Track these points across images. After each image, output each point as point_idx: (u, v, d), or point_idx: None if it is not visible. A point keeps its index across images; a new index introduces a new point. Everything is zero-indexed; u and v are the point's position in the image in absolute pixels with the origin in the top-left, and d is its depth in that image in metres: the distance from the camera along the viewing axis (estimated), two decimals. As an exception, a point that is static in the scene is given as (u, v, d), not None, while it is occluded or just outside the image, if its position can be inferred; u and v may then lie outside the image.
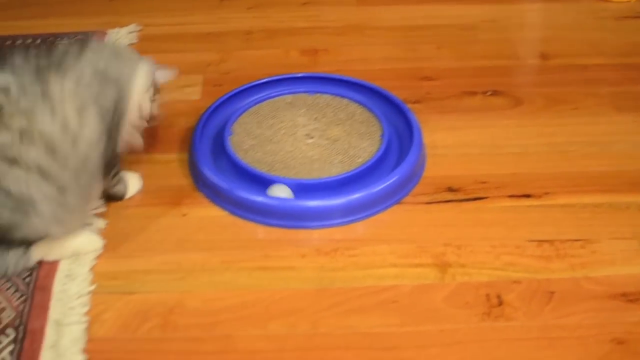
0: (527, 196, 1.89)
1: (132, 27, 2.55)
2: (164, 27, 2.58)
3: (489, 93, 2.22)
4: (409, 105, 2.12)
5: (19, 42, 2.49)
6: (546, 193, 1.89)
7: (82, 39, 1.72)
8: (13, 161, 1.53)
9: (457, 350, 1.56)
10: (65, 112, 1.58)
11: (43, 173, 1.56)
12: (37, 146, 1.54)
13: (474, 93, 2.22)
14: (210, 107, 2.08)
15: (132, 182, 1.91)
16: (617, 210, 1.85)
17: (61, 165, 1.58)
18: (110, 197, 1.89)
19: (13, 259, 1.67)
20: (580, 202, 1.87)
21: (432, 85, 2.26)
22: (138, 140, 1.83)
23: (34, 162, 1.54)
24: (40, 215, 1.60)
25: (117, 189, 1.86)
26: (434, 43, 2.44)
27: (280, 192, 1.83)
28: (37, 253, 1.71)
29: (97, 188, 1.77)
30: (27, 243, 1.68)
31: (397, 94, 2.14)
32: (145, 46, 2.47)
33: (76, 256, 1.76)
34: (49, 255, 1.74)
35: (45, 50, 1.64)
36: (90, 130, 1.63)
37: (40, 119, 1.55)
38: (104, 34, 2.49)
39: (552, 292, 1.66)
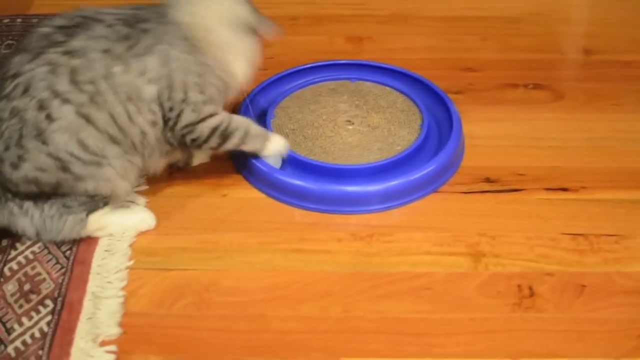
0: (564, 189, 1.90)
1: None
2: (211, 10, 2.59)
3: (530, 86, 2.23)
4: (451, 96, 2.13)
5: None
6: (583, 187, 1.90)
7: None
8: (88, 119, 1.63)
9: (485, 338, 1.58)
10: (122, 97, 1.67)
11: (111, 137, 1.66)
12: (102, 113, 1.65)
13: (515, 85, 2.23)
14: (253, 90, 2.11)
15: (276, 139, 1.92)
16: (654, 207, 1.83)
17: (123, 133, 1.68)
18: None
19: (70, 224, 1.73)
20: (617, 198, 1.87)
21: (475, 76, 2.27)
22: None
23: (103, 127, 1.64)
24: (112, 167, 1.69)
25: (247, 149, 1.88)
26: (478, 34, 2.46)
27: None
28: (93, 225, 1.76)
29: (164, 155, 1.83)
30: (90, 202, 1.73)
31: (439, 84, 2.15)
32: (192, 29, 2.49)
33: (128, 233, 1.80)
34: (103, 230, 1.79)
35: (134, 26, 1.71)
36: (144, 118, 1.71)
37: (105, 91, 1.65)
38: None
39: (584, 286, 1.67)
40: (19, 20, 2.56)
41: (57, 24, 1.70)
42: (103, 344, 1.59)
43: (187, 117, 1.75)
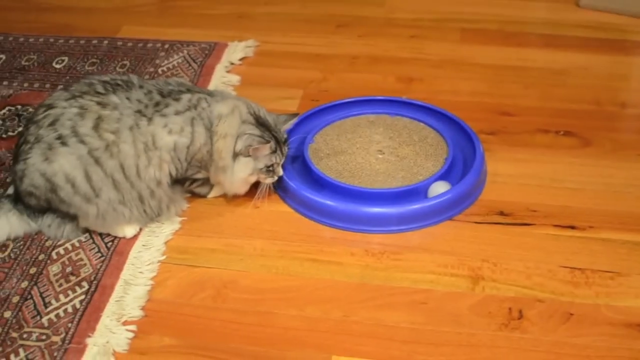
0: (572, 227, 2.01)
1: (250, 41, 2.81)
2: (279, 44, 2.82)
3: (561, 133, 2.34)
4: (484, 136, 2.27)
5: (149, 45, 2.79)
6: (591, 227, 2.00)
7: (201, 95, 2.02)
8: (98, 161, 1.86)
9: (468, 351, 1.71)
10: (139, 149, 1.90)
11: (115, 183, 1.88)
12: (114, 161, 1.87)
13: (547, 131, 2.35)
14: (300, 116, 2.29)
15: (218, 187, 2.13)
16: (655, 251, 1.92)
17: (130, 184, 1.89)
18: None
19: (67, 232, 1.98)
20: (621, 239, 1.97)
21: (510, 120, 2.40)
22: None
23: (110, 172, 1.87)
24: (97, 208, 1.90)
25: (198, 191, 2.12)
26: (522, 83, 2.57)
27: (440, 188, 2.04)
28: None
29: (173, 199, 2.04)
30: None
31: (476, 125, 2.29)
32: (257, 60, 2.73)
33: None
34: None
35: (167, 96, 1.96)
36: (151, 174, 1.93)
37: (122, 143, 1.88)
38: (225, 45, 2.76)
39: (571, 314, 1.78)
40: (105, 42, 2.82)
41: (104, 79, 1.96)
42: (125, 323, 1.79)
43: (188, 174, 2.01)
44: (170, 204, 2.00)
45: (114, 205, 1.90)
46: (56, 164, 1.85)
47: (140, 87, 1.95)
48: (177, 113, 1.92)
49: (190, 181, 2.05)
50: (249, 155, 1.96)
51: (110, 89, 1.92)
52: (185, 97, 1.96)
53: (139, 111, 1.90)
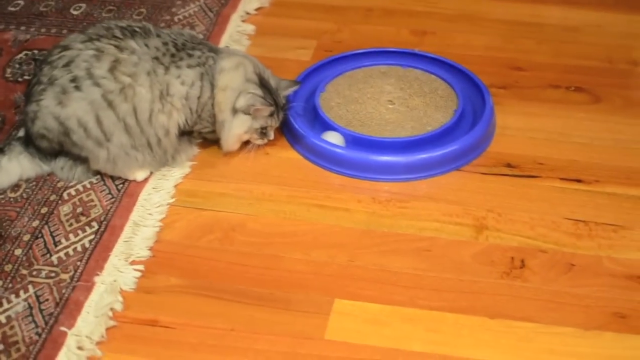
0: (578, 181, 2.02)
1: (265, -9, 2.80)
2: (295, -5, 2.82)
3: (572, 88, 2.35)
4: (495, 90, 2.29)
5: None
6: (597, 180, 2.02)
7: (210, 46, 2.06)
8: (111, 104, 1.88)
9: (469, 298, 1.74)
10: (155, 95, 1.92)
11: (127, 127, 1.90)
12: (128, 104, 1.89)
13: (558, 86, 2.35)
14: (312, 65, 2.32)
15: None
16: (660, 205, 1.94)
17: (140, 129, 1.91)
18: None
19: (79, 173, 2.01)
20: (626, 193, 1.99)
21: (522, 75, 2.40)
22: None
23: (123, 115, 1.88)
24: (109, 152, 1.93)
25: (206, 136, 2.13)
26: (535, 39, 2.57)
27: (333, 138, 2.05)
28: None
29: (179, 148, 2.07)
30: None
31: (487, 79, 2.30)
32: (273, 10, 2.73)
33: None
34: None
35: (181, 50, 1.99)
36: (161, 121, 1.95)
37: (139, 86, 1.90)
38: (239, -5, 2.76)
39: (573, 265, 1.81)
40: (122, -11, 2.83)
41: (121, 25, 1.97)
42: (133, 263, 1.83)
43: (197, 127, 2.03)
44: (175, 154, 2.03)
45: (126, 149, 1.92)
46: (70, 108, 1.87)
47: (158, 35, 1.97)
48: (190, 67, 1.96)
49: (199, 133, 2.07)
50: (249, 114, 1.98)
51: (128, 34, 1.94)
52: (196, 53, 1.99)
53: (156, 58, 1.92)
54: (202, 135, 2.09)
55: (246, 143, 2.08)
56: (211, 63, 1.99)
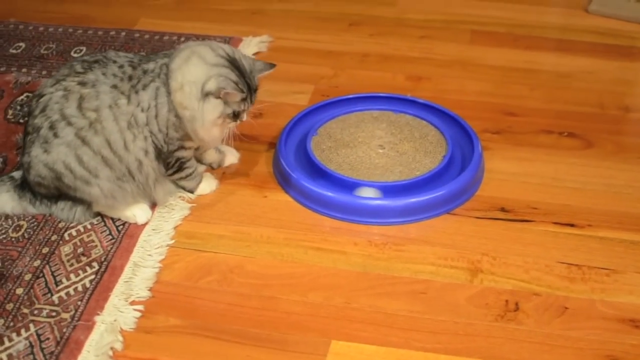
0: (571, 225, 2.05)
1: (264, 37, 2.87)
2: (292, 41, 2.88)
3: (565, 134, 2.39)
4: (489, 135, 2.34)
5: (165, 37, 2.85)
6: (589, 225, 2.05)
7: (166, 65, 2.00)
8: (84, 141, 1.91)
9: (464, 340, 1.76)
10: (123, 127, 1.94)
11: (105, 160, 1.93)
12: (100, 138, 1.92)
13: (550, 132, 2.39)
14: (304, 110, 2.37)
15: (206, 183, 2.19)
16: (651, 249, 1.97)
17: (118, 159, 1.94)
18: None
19: (79, 214, 2.04)
20: (619, 238, 2.02)
21: (515, 120, 2.45)
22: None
23: (97, 149, 1.92)
24: (100, 188, 1.96)
25: (184, 184, 2.15)
26: (528, 85, 2.62)
27: (368, 193, 2.09)
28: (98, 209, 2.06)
29: (160, 179, 2.07)
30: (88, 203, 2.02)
31: (481, 124, 2.36)
32: (271, 55, 2.78)
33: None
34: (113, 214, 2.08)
35: (137, 68, 1.98)
36: (139, 145, 1.96)
37: (104, 120, 1.92)
38: (239, 40, 2.81)
39: (566, 308, 1.83)
40: (123, 33, 2.89)
41: (83, 59, 2.00)
42: (133, 303, 1.85)
43: (170, 148, 2.01)
44: (156, 183, 2.03)
45: (116, 182, 1.95)
46: (54, 154, 1.92)
47: (114, 61, 1.98)
48: (145, 87, 1.94)
49: (176, 167, 2.07)
50: (219, 98, 1.94)
51: (87, 67, 1.96)
52: (151, 66, 1.97)
53: (114, 86, 1.93)
54: (177, 171, 2.08)
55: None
56: (165, 71, 1.95)
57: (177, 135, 1.98)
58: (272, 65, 2.03)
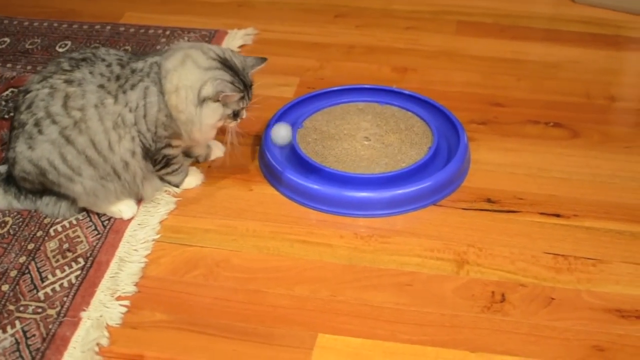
0: (557, 215, 2.06)
1: (249, 30, 2.87)
2: (278, 33, 2.88)
3: (551, 124, 2.39)
4: (475, 126, 2.33)
5: (151, 31, 2.84)
6: (575, 215, 2.06)
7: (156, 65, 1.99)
8: (69, 140, 1.90)
9: (451, 332, 1.77)
10: (108, 127, 1.93)
11: (89, 159, 1.92)
12: (84, 137, 1.91)
13: (537, 122, 2.40)
14: (290, 102, 2.36)
15: (192, 177, 2.19)
16: (637, 239, 2.00)
17: (103, 159, 1.93)
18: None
19: (63, 209, 2.03)
20: (605, 227, 2.02)
21: (501, 110, 2.45)
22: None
23: (82, 149, 1.91)
24: (83, 186, 1.96)
25: (169, 179, 2.14)
26: (515, 75, 2.62)
27: (282, 130, 2.10)
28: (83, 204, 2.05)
29: (147, 176, 2.06)
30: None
31: (467, 115, 2.36)
32: (256, 48, 2.78)
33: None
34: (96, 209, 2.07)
35: (125, 67, 1.97)
36: (125, 146, 1.95)
37: (89, 120, 1.91)
38: (225, 33, 2.81)
39: (553, 299, 1.84)
40: (108, 27, 2.88)
41: (71, 56, 1.98)
42: (119, 298, 1.85)
43: (157, 146, 2.00)
44: (144, 181, 2.02)
45: (99, 180, 1.94)
46: (38, 150, 1.91)
47: (103, 59, 1.96)
48: (133, 87, 1.93)
49: (163, 163, 2.06)
50: (218, 101, 1.94)
51: (74, 64, 1.94)
52: (139, 65, 1.96)
53: (101, 86, 1.92)
54: (164, 167, 2.08)
55: (222, 131, 2.07)
56: (156, 70, 1.94)
57: (165, 133, 1.97)
58: (264, 60, 2.04)
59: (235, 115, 1.98)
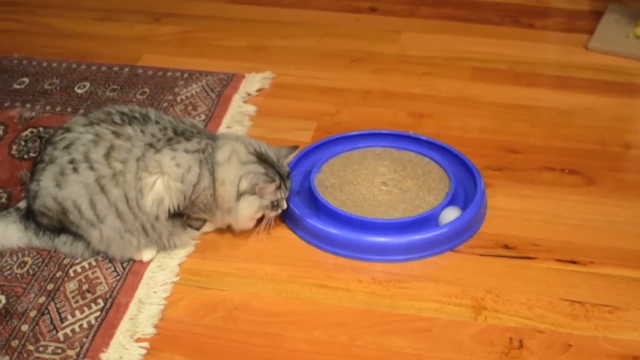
0: (573, 262, 2.07)
1: (267, 73, 2.89)
2: (295, 77, 2.90)
3: (566, 171, 2.40)
4: (491, 172, 2.35)
5: (169, 74, 2.87)
6: (592, 262, 2.07)
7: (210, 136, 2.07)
8: (103, 189, 1.93)
9: (469, 377, 1.77)
10: (143, 183, 1.95)
11: (118, 212, 1.94)
12: (119, 190, 1.93)
13: (552, 169, 2.41)
14: (308, 146, 2.39)
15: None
16: (653, 286, 1.98)
17: (133, 215, 1.95)
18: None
19: (81, 249, 2.04)
20: (621, 275, 2.03)
21: (517, 157, 2.47)
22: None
23: (114, 200, 1.93)
24: (101, 234, 1.97)
25: (190, 223, 2.15)
26: (530, 122, 2.64)
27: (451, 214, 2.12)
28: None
29: (174, 232, 2.08)
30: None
31: (483, 161, 2.38)
32: (273, 91, 2.81)
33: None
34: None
35: (179, 135, 2.01)
36: (151, 208, 1.98)
37: (128, 173, 1.93)
38: (242, 76, 2.84)
39: (570, 345, 1.84)
40: (126, 69, 2.91)
41: (122, 110, 2.03)
42: (138, 340, 1.86)
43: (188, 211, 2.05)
44: (170, 237, 2.04)
45: (120, 233, 1.96)
46: (66, 190, 1.92)
47: (157, 122, 2.01)
48: (187, 151, 1.97)
49: (185, 217, 2.08)
50: (255, 194, 2.00)
51: (126, 120, 1.99)
52: (195, 139, 2.00)
53: (150, 144, 1.95)
54: (190, 218, 2.11)
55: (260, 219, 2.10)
56: (210, 151, 2.00)
57: (201, 207, 2.02)
58: (295, 147, 2.12)
59: (275, 205, 2.03)
